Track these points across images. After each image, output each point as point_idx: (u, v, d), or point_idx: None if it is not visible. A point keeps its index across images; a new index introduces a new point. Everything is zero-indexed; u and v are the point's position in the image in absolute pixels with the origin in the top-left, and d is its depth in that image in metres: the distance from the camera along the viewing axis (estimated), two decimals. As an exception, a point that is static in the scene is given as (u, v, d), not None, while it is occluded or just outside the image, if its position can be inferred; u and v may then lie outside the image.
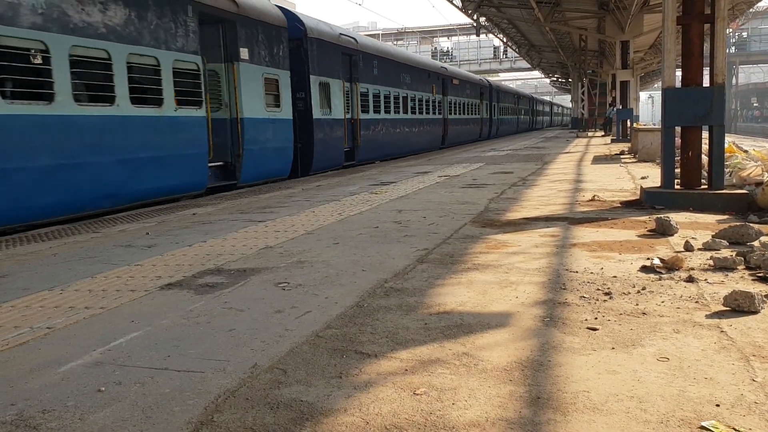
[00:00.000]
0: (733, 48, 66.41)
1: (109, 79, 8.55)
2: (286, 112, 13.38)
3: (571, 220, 6.70)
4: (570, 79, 54.22)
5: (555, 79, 70.95)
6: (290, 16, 14.26)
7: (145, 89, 9.29)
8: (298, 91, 14.45)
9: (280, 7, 13.97)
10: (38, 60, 7.57)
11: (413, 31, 72.94)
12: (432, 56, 60.31)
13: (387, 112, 20.14)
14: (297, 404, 2.49)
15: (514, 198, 8.75)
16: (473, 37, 54.71)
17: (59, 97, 7.72)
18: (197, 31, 10.25)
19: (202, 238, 6.34)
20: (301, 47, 14.48)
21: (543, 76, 72.79)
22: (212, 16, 10.90)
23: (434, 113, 25.64)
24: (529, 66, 59.70)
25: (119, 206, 9.04)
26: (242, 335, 3.34)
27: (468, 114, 31.85)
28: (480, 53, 67.18)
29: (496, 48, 66.81)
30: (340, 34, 16.74)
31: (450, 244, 5.63)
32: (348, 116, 16.94)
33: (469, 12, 27.61)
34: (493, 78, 53.63)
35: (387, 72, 20.06)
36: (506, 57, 66.31)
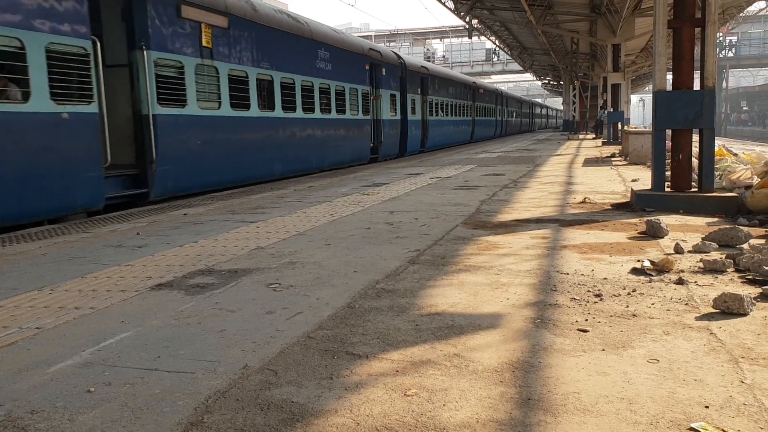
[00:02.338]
0: (731, 51, 66.96)
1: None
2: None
3: (562, 222, 6.72)
4: (562, 82, 54.43)
5: (547, 81, 71.19)
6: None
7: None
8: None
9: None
10: None
11: (406, 33, 73.07)
12: (425, 58, 60.34)
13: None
14: (288, 405, 2.48)
15: (505, 200, 8.77)
16: (466, 39, 54.89)
17: None
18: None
19: (193, 239, 6.32)
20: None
21: (535, 78, 73.01)
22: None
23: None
24: (521, 68, 59.91)
25: None
26: (233, 336, 3.33)
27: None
28: (472, 55, 67.38)
29: (488, 50, 67.04)
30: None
31: (442, 245, 5.63)
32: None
33: (462, 14, 27.70)
34: (486, 80, 53.85)
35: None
36: (498, 59, 66.56)
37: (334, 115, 16.35)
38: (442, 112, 27.67)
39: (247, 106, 12.42)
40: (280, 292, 4.18)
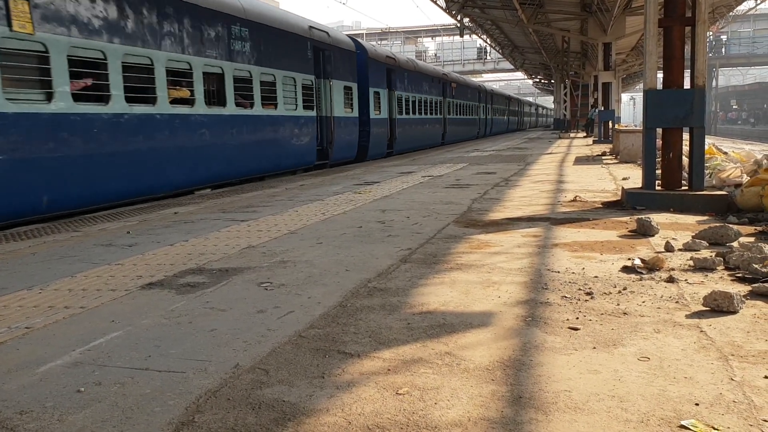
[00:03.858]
0: (722, 49, 67.34)
1: None
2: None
3: (553, 220, 6.74)
4: (552, 81, 54.55)
5: (538, 80, 71.35)
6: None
7: None
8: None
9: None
10: None
11: (397, 31, 73.02)
12: (416, 57, 60.36)
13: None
14: (279, 404, 2.47)
15: (496, 198, 8.78)
16: (457, 37, 54.87)
17: None
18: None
19: (183, 238, 6.30)
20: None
21: (526, 77, 73.15)
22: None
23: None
24: (512, 67, 60.00)
25: None
26: (224, 335, 3.32)
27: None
28: (464, 54, 67.41)
29: (479, 49, 67.09)
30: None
31: (433, 243, 5.63)
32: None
33: (453, 13, 27.69)
34: (477, 79, 53.93)
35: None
36: (489, 58, 66.60)
37: (258, 110, 13.06)
38: (416, 109, 24.66)
39: (106, 99, 8.96)
40: (272, 291, 4.17)
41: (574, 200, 8.25)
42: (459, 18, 29.44)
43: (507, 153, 20.51)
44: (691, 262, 4.52)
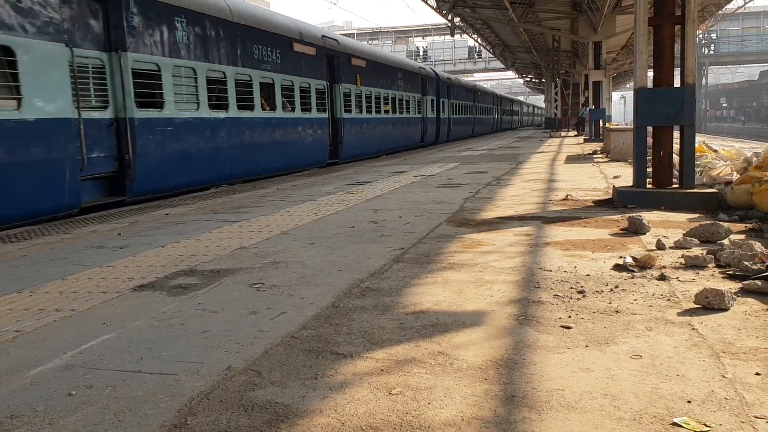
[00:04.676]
0: (712, 47, 67.68)
1: None
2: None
3: (544, 219, 6.75)
4: (543, 80, 54.70)
5: (529, 79, 71.52)
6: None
7: None
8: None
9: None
10: None
11: (388, 31, 73.04)
12: (407, 55, 60.38)
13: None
14: (272, 406, 2.47)
15: (488, 197, 8.79)
16: (448, 37, 54.92)
17: None
18: None
19: (175, 239, 6.27)
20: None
21: (517, 76, 73.30)
22: None
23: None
24: (503, 66, 60.10)
25: None
26: (216, 337, 3.30)
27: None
28: (455, 53, 67.50)
29: (470, 48, 67.19)
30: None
31: (426, 243, 5.63)
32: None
33: (444, 12, 27.70)
34: (468, 78, 53.98)
35: None
36: (480, 57, 66.70)
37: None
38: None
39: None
40: (264, 292, 4.16)
41: (566, 199, 8.27)
42: (450, 17, 29.45)
43: (498, 152, 20.55)
44: (682, 260, 4.54)
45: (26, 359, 3.08)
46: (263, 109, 13.61)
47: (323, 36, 16.92)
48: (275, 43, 14.09)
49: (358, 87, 19.17)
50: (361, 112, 19.53)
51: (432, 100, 28.94)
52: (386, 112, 22.20)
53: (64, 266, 5.19)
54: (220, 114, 11.93)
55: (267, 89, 13.86)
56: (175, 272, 4.82)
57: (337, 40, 17.93)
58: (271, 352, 3.05)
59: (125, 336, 3.37)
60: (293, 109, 14.91)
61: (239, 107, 12.57)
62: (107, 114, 9.38)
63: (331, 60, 17.35)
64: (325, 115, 16.78)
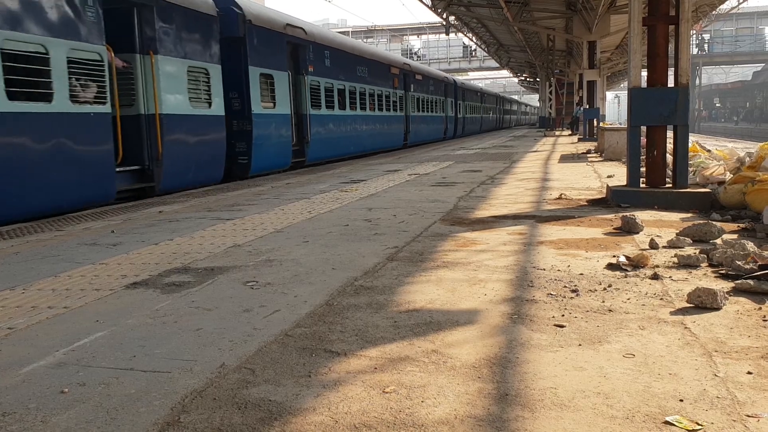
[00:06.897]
0: (705, 47, 67.89)
1: None
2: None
3: (538, 218, 6.76)
4: (538, 79, 54.76)
5: (523, 78, 71.56)
6: None
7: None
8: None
9: None
10: None
11: (383, 29, 73.00)
12: (402, 54, 60.36)
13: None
14: (265, 404, 2.46)
15: (482, 196, 8.81)
16: (443, 35, 54.94)
17: None
18: None
19: (168, 237, 6.26)
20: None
21: (512, 75, 73.36)
22: None
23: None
24: (497, 65, 60.13)
25: None
26: (210, 335, 3.30)
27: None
28: (450, 52, 67.54)
29: (465, 47, 67.21)
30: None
31: (420, 242, 5.64)
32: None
33: (439, 11, 27.71)
34: (463, 76, 54.00)
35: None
36: (475, 56, 66.74)
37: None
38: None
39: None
40: (258, 290, 4.15)
41: (560, 198, 8.30)
42: (445, 16, 29.46)
43: (493, 151, 20.58)
44: (675, 259, 4.56)
45: (19, 357, 3.06)
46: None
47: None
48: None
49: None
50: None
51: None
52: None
53: (57, 263, 5.17)
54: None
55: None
56: (169, 270, 4.80)
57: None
58: (265, 350, 3.04)
59: (118, 333, 3.36)
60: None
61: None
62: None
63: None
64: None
